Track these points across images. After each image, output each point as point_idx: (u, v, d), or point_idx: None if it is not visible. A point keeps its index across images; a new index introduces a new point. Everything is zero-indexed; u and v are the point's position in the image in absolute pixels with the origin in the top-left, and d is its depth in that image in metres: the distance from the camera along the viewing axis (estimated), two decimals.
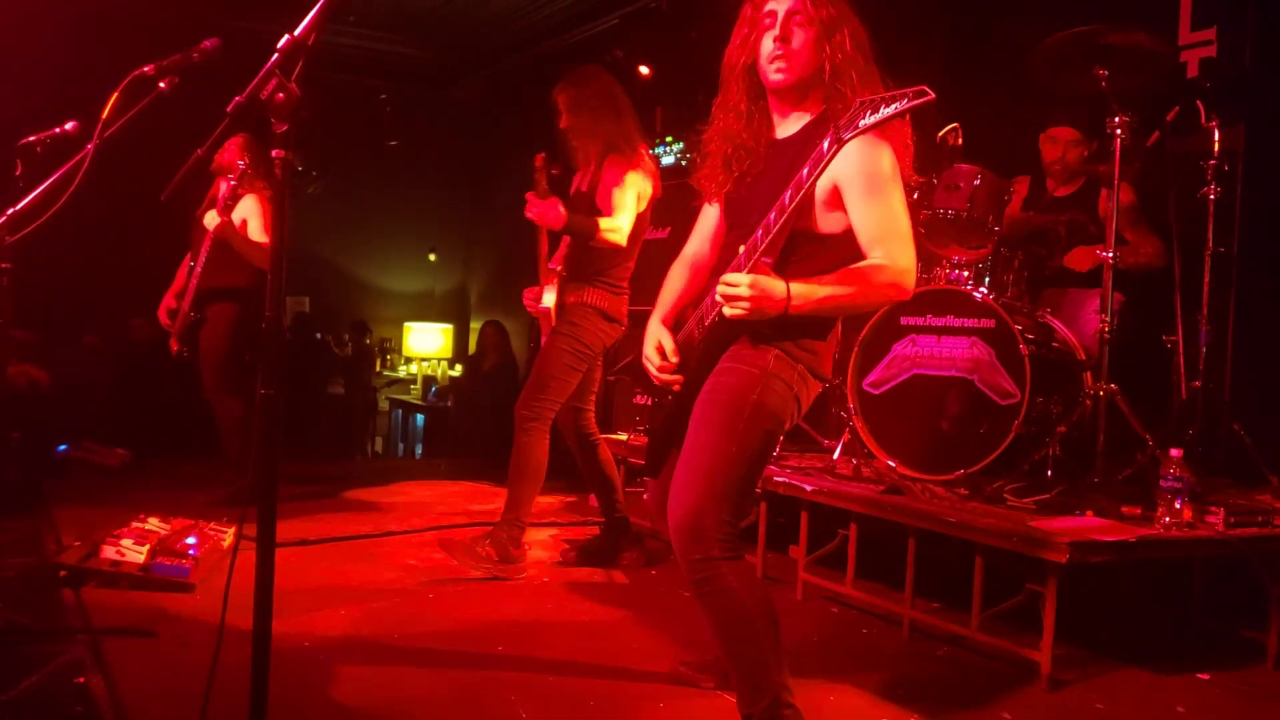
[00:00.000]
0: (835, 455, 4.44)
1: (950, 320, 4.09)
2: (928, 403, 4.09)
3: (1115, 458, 3.89)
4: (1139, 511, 3.50)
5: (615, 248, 4.26)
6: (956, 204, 4.30)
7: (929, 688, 3.24)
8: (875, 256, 2.38)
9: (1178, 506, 3.39)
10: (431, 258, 11.77)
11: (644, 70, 7.25)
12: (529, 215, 4.21)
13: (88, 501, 5.21)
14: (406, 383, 11.35)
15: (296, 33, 1.81)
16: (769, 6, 2.48)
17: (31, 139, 3.20)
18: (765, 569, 4.43)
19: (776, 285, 2.29)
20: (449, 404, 10.42)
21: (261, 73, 1.77)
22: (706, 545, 2.36)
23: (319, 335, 10.66)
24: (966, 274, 4.29)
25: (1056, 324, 4.28)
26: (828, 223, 2.46)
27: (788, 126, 2.57)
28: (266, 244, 5.16)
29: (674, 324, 2.72)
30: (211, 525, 4.23)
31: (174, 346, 5.38)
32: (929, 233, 4.40)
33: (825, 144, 2.21)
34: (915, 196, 4.28)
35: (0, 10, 6.69)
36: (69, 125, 3.22)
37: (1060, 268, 4.54)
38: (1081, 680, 3.32)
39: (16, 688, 2.70)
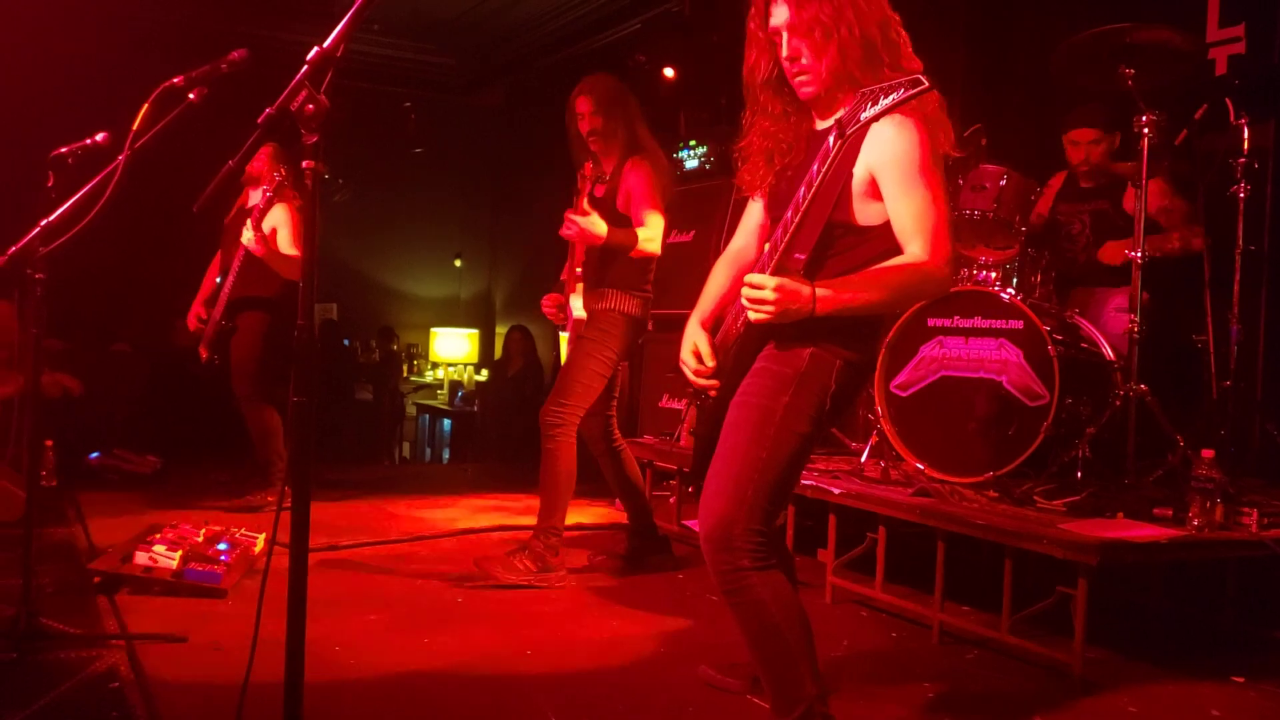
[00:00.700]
0: (863, 458, 4.43)
1: (978, 321, 4.07)
2: (956, 405, 4.07)
3: (1146, 459, 3.86)
4: (1170, 513, 3.47)
5: (652, 256, 4.24)
6: (983, 205, 4.29)
7: (959, 691, 3.22)
8: (910, 252, 2.33)
9: (1209, 508, 3.36)
10: (457, 263, 11.82)
11: (668, 73, 7.25)
12: (566, 234, 4.18)
13: (120, 509, 5.26)
14: (433, 388, 11.40)
15: (325, 44, 1.83)
16: (772, 23, 2.44)
17: (63, 150, 3.23)
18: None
19: (801, 287, 2.23)
20: (475, 409, 10.46)
21: (291, 84, 1.78)
22: (736, 555, 2.32)
23: (346, 342, 10.73)
24: (994, 275, 4.27)
25: (1084, 324, 4.25)
26: (866, 214, 2.40)
27: (828, 118, 2.49)
28: (296, 256, 5.19)
29: (713, 325, 2.66)
30: (243, 531, 4.27)
31: (203, 354, 5.43)
32: (956, 234, 4.36)
33: (831, 139, 2.19)
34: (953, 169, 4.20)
35: (33, 24, 6.77)
36: (100, 137, 3.25)
37: (1087, 265, 4.51)
38: (1113, 683, 3.29)
39: (52, 693, 2.73)
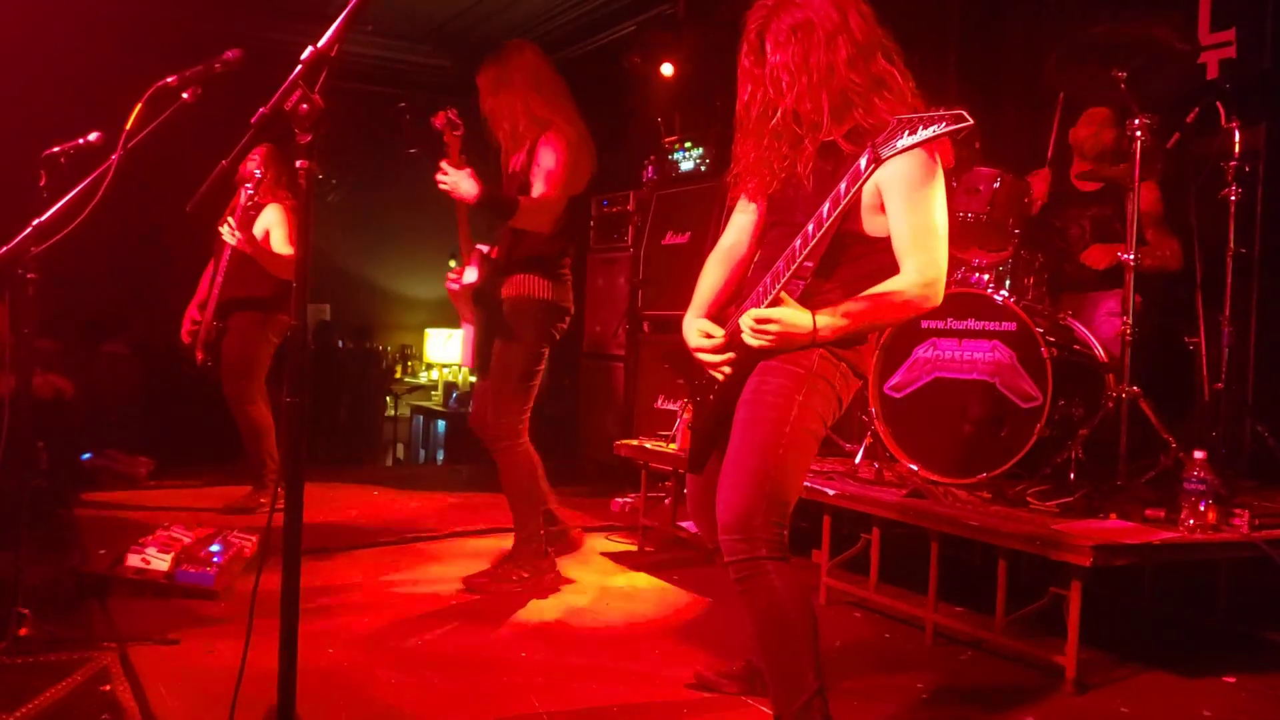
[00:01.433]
0: (857, 459, 4.43)
1: (971, 323, 4.08)
2: (949, 406, 4.08)
3: (1138, 460, 3.87)
4: (1162, 514, 3.48)
5: (539, 230, 3.98)
6: (977, 207, 4.30)
7: (953, 692, 3.23)
8: (905, 269, 2.40)
9: (1201, 509, 3.37)
10: (452, 264, 11.79)
11: (668, 70, 7.24)
12: (440, 186, 3.87)
13: (112, 510, 5.25)
14: (427, 389, 11.37)
15: (320, 44, 1.83)
16: (769, 61, 2.47)
17: (56, 150, 3.23)
18: None
19: (803, 320, 2.34)
20: (470, 410, 10.42)
21: (285, 84, 1.78)
22: (754, 545, 2.38)
23: (340, 343, 10.70)
24: (987, 277, 4.28)
25: (1077, 326, 4.26)
26: (874, 225, 2.46)
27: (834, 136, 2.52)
28: (290, 255, 5.18)
29: (712, 321, 2.67)
30: (235, 533, 4.26)
31: (199, 356, 5.43)
32: (949, 236, 4.38)
33: (863, 161, 2.23)
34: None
35: (24, 22, 6.75)
36: (93, 136, 3.24)
37: (1080, 267, 4.52)
38: (1106, 684, 3.30)
39: (43, 696, 2.72)
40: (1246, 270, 4.26)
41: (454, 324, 11.49)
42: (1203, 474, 3.38)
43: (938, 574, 3.65)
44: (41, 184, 3.11)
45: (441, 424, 10.97)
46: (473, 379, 4.49)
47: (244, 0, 7.91)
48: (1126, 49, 3.94)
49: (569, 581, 4.27)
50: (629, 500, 5.77)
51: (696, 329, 2.62)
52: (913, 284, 2.39)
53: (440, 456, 10.88)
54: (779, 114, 2.49)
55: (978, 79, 5.64)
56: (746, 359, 2.52)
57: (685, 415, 4.62)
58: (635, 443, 5.20)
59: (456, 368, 11.15)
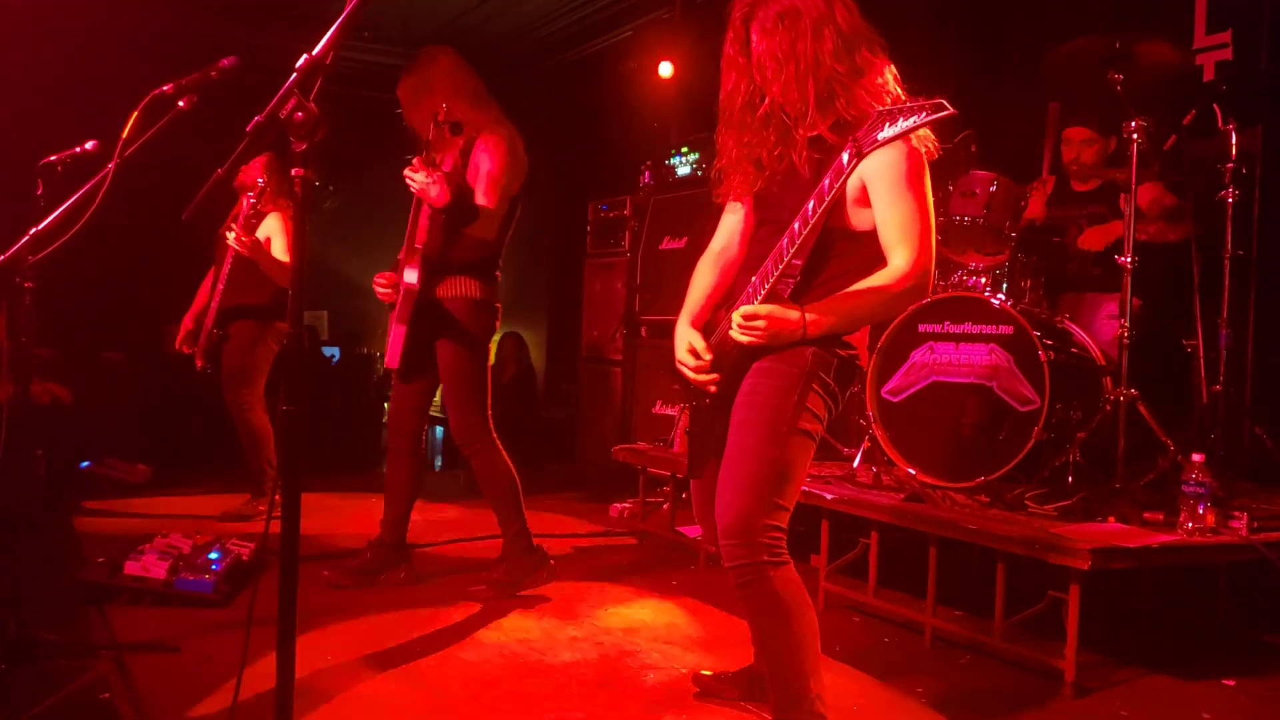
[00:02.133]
0: (855, 463, 4.44)
1: (968, 327, 4.08)
2: (947, 410, 4.08)
3: (1136, 463, 3.87)
4: (1161, 517, 3.49)
5: (485, 236, 3.99)
6: (973, 210, 4.31)
7: (952, 696, 3.22)
8: (892, 262, 2.40)
9: (1200, 512, 3.37)
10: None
11: (668, 70, 7.24)
12: (411, 185, 3.85)
13: (110, 518, 5.25)
14: None
15: (315, 52, 1.83)
16: (755, 48, 2.47)
17: (52, 158, 3.23)
18: None
19: (791, 315, 2.34)
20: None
21: (280, 91, 1.78)
22: (755, 550, 2.38)
23: (326, 351, 10.70)
24: (984, 280, 4.28)
25: (1075, 329, 4.27)
26: (860, 219, 2.46)
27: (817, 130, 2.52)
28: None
29: (704, 325, 2.67)
30: (234, 540, 4.25)
31: (199, 363, 5.43)
32: (946, 239, 4.40)
33: (845, 155, 2.22)
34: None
35: (21, 31, 6.76)
36: (89, 144, 3.25)
37: (1079, 266, 4.52)
38: (1106, 687, 3.30)
39: (41, 704, 2.72)
40: (1244, 272, 4.27)
41: None
42: (1201, 476, 3.38)
43: (936, 578, 3.65)
44: (39, 192, 3.11)
45: (440, 430, 10.96)
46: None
47: (241, 7, 7.92)
48: (1123, 54, 3.94)
49: (566, 582, 4.26)
50: (627, 505, 5.76)
51: (685, 343, 2.62)
52: (900, 276, 2.38)
53: (439, 463, 10.87)
54: (767, 101, 2.49)
55: (976, 81, 5.65)
56: (740, 359, 2.51)
57: (683, 420, 4.62)
58: (634, 448, 5.20)
59: None
